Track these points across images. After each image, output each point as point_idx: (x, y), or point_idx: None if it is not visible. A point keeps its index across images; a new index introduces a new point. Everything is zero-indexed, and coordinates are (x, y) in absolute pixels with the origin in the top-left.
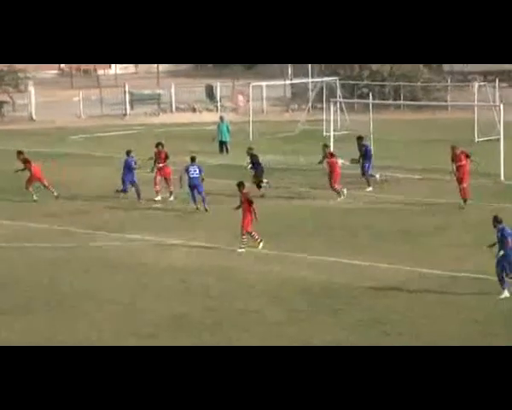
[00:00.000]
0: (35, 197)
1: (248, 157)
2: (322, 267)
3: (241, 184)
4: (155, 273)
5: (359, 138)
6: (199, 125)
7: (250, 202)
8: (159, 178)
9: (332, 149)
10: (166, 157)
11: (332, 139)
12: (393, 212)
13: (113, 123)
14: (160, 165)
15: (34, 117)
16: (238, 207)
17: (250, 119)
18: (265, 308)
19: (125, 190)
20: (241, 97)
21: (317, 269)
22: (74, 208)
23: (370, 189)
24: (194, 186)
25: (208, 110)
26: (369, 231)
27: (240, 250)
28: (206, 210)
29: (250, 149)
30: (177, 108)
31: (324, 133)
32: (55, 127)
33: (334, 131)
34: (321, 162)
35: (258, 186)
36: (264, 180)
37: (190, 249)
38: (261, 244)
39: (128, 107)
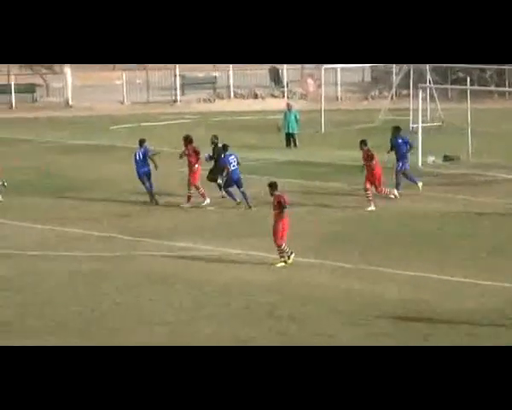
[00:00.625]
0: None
1: (211, 147)
2: (412, 283)
3: (273, 185)
4: (212, 289)
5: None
6: (261, 113)
7: (283, 207)
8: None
9: (420, 143)
10: (197, 154)
11: (420, 132)
12: (496, 218)
13: (161, 111)
14: (197, 166)
15: (71, 103)
16: (280, 212)
17: (322, 107)
18: (342, 332)
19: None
20: (311, 82)
21: (404, 286)
22: (115, 211)
23: (395, 194)
24: (235, 181)
25: (273, 96)
26: (467, 242)
27: (279, 265)
28: (250, 207)
29: (215, 137)
30: (236, 94)
31: (411, 125)
32: (94, 115)
33: (423, 122)
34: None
35: (219, 186)
36: (219, 181)
37: (250, 260)
38: (292, 258)
39: (179, 92)
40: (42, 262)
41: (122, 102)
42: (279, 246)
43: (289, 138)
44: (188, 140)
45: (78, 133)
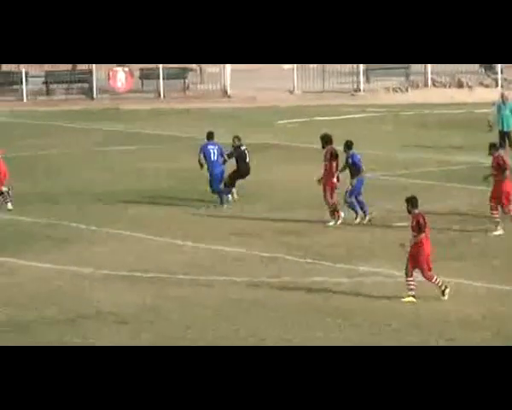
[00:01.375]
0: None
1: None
2: None
3: (412, 201)
4: (407, 331)
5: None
6: (468, 106)
7: (419, 228)
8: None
9: None
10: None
11: None
12: None
13: (339, 102)
14: (337, 175)
15: (229, 92)
16: (419, 235)
17: None
18: None
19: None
20: None
21: None
22: (279, 225)
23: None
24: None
25: (483, 85)
26: None
27: (406, 299)
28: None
29: (238, 139)
30: (435, 82)
31: None
32: (256, 107)
33: None
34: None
35: (226, 186)
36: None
37: (454, 290)
38: (446, 293)
39: (362, 79)
40: (192, 288)
41: (291, 92)
42: (428, 278)
43: (504, 137)
44: (325, 140)
45: (236, 129)
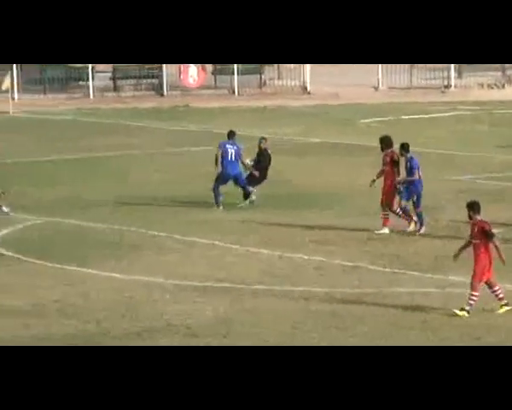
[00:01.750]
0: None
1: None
2: None
3: (474, 207)
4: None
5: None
6: None
7: (488, 236)
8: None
9: None
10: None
11: None
12: None
13: (427, 100)
14: (400, 179)
15: (309, 88)
16: (466, 247)
17: None
18: None
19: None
20: None
21: None
22: (361, 234)
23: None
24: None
25: None
26: None
27: (460, 313)
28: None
29: (264, 140)
30: None
31: None
32: (339, 105)
33: None
34: None
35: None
36: (252, 189)
37: None
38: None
39: (453, 74)
40: (268, 299)
41: (376, 88)
42: (490, 286)
43: None
44: (384, 143)
45: (315, 128)
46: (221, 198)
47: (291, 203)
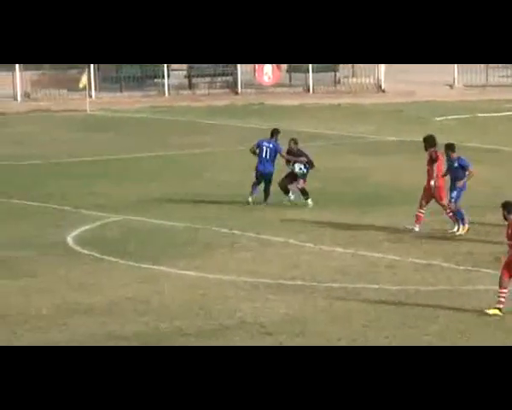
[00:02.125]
0: None
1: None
2: None
3: (509, 206)
4: None
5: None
6: None
7: None
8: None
9: None
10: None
11: None
12: None
13: (504, 97)
14: (433, 182)
15: (383, 86)
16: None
17: None
18: None
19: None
20: None
21: None
22: (436, 232)
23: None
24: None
25: None
26: None
27: (490, 311)
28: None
29: (294, 142)
30: None
31: None
32: (413, 102)
33: None
34: None
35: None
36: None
37: None
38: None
39: None
40: (341, 297)
41: (451, 86)
42: (502, 288)
43: None
44: (428, 142)
45: (388, 127)
46: (255, 194)
47: (365, 201)
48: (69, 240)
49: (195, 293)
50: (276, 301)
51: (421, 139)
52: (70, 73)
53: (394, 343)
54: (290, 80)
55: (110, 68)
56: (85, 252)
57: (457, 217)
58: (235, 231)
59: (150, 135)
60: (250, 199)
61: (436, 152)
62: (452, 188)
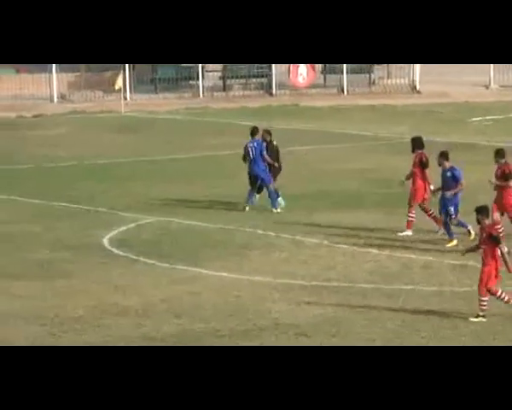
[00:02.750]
0: None
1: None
2: None
3: (483, 211)
4: None
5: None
6: None
7: (495, 242)
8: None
9: None
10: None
11: None
12: None
13: None
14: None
15: (418, 87)
16: (473, 249)
17: None
18: None
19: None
20: None
21: None
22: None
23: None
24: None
25: None
26: None
27: (474, 319)
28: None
29: (268, 133)
30: None
31: None
32: (447, 103)
33: None
34: None
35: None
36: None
37: None
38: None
39: None
40: (376, 298)
41: (487, 87)
42: (490, 291)
43: None
44: (416, 143)
45: (421, 127)
46: (252, 199)
47: (400, 202)
48: (105, 241)
49: (230, 294)
50: (311, 302)
51: (410, 140)
52: (105, 74)
53: (431, 344)
54: (325, 81)
55: (145, 70)
56: (121, 253)
57: (463, 226)
58: (270, 233)
59: (185, 136)
60: (247, 208)
61: (424, 155)
62: (442, 196)
